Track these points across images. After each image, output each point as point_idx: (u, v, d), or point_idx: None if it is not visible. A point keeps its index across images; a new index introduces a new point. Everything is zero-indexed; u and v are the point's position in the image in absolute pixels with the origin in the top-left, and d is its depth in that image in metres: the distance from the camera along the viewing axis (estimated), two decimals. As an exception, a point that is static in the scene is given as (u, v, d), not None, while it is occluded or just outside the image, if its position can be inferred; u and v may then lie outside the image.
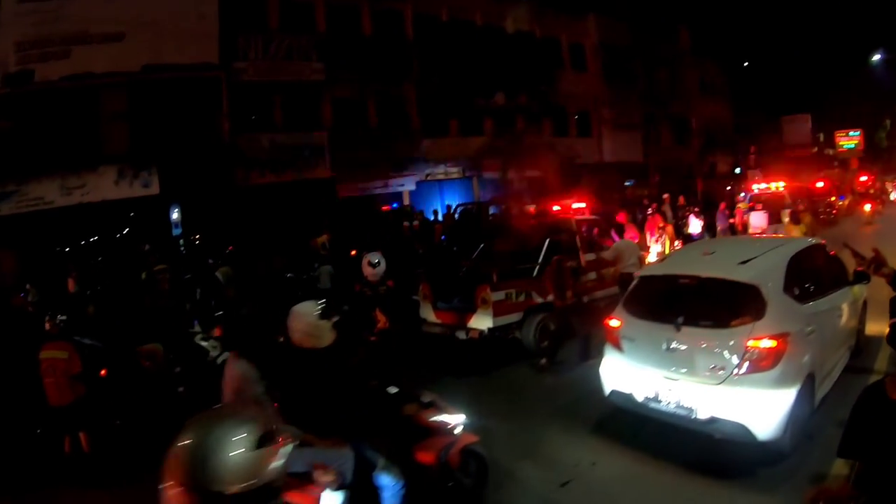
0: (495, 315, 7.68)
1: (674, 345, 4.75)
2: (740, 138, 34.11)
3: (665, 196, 17.88)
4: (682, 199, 17.62)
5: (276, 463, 1.89)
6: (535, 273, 8.32)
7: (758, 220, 13.67)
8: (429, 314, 8.53)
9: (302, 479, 3.22)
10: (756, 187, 18.59)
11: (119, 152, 14.91)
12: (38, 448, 6.06)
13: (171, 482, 1.78)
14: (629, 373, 5.11)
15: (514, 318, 7.99)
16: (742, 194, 19.09)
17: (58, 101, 14.37)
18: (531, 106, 22.89)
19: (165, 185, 15.16)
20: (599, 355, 5.59)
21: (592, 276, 9.35)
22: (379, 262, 6.40)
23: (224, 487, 1.77)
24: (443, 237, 14.27)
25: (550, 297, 7.85)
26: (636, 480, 4.64)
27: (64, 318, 6.46)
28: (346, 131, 18.47)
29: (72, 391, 5.72)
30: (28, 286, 12.03)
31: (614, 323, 5.39)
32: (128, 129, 15.07)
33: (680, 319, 4.76)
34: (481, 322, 7.75)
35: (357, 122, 19.05)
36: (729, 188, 24.75)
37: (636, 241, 10.35)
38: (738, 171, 32.32)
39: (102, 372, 6.51)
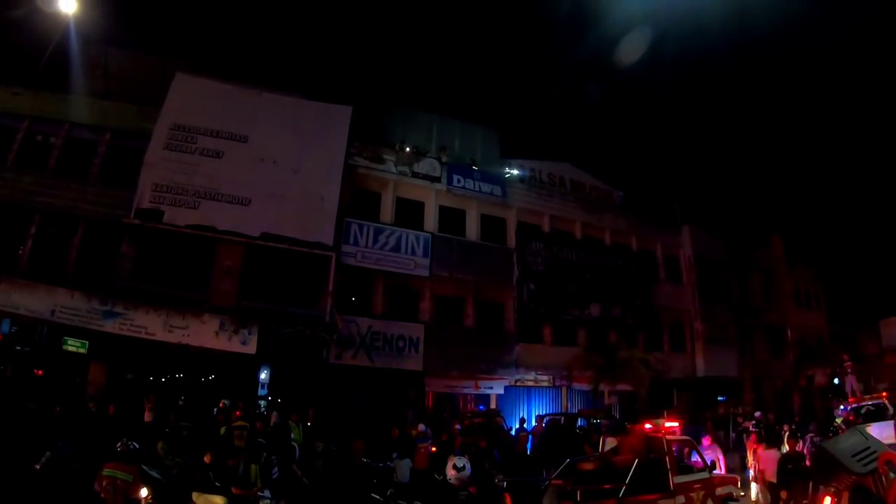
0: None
1: None
2: (837, 347, 32.03)
3: (757, 414, 16.72)
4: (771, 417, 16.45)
5: None
6: (621, 494, 7.75)
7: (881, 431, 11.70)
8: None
9: None
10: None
11: (225, 305, 15.69)
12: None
13: None
14: None
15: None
16: (841, 408, 17.30)
17: (179, 244, 15.79)
18: (626, 318, 22.79)
19: (262, 346, 15.48)
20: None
21: (681, 500, 8.56)
22: (464, 467, 6.13)
23: None
24: (528, 446, 13.42)
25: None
26: None
27: (136, 445, 6.57)
28: (442, 327, 18.94)
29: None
30: (148, 401, 12.61)
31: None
32: (237, 286, 16.04)
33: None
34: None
35: (454, 320, 19.52)
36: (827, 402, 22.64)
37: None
38: (835, 381, 29.97)
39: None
